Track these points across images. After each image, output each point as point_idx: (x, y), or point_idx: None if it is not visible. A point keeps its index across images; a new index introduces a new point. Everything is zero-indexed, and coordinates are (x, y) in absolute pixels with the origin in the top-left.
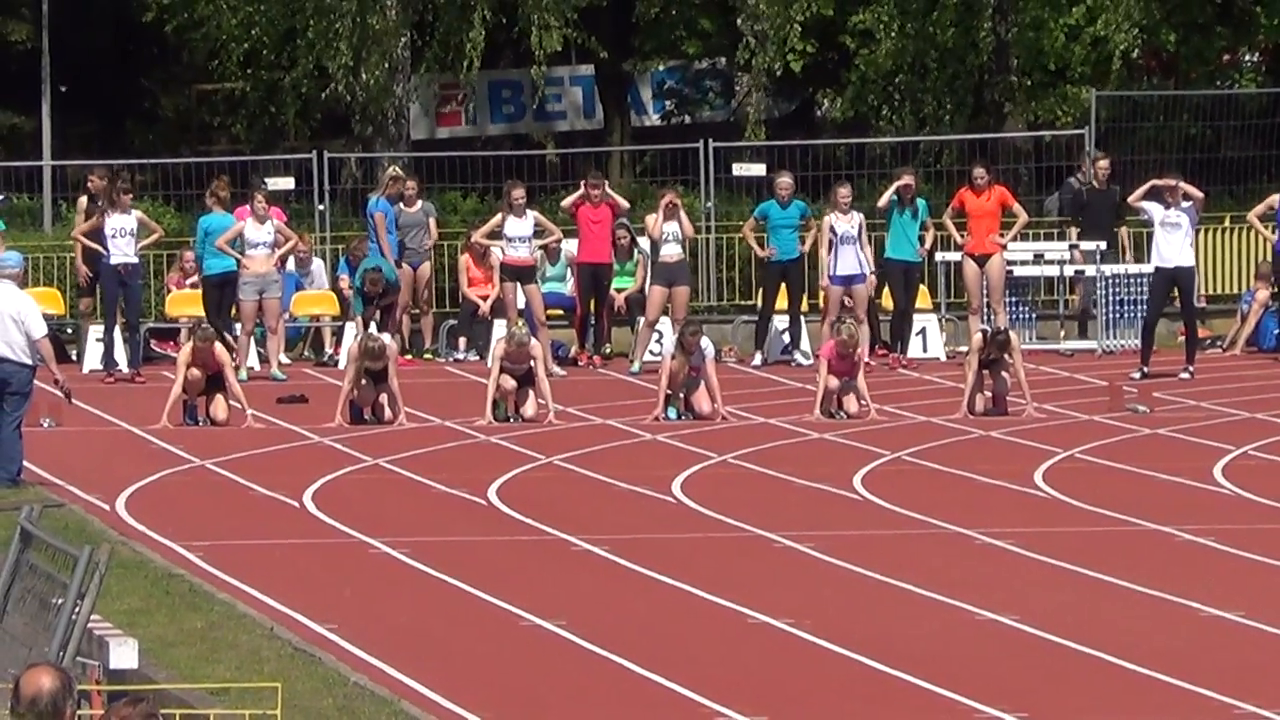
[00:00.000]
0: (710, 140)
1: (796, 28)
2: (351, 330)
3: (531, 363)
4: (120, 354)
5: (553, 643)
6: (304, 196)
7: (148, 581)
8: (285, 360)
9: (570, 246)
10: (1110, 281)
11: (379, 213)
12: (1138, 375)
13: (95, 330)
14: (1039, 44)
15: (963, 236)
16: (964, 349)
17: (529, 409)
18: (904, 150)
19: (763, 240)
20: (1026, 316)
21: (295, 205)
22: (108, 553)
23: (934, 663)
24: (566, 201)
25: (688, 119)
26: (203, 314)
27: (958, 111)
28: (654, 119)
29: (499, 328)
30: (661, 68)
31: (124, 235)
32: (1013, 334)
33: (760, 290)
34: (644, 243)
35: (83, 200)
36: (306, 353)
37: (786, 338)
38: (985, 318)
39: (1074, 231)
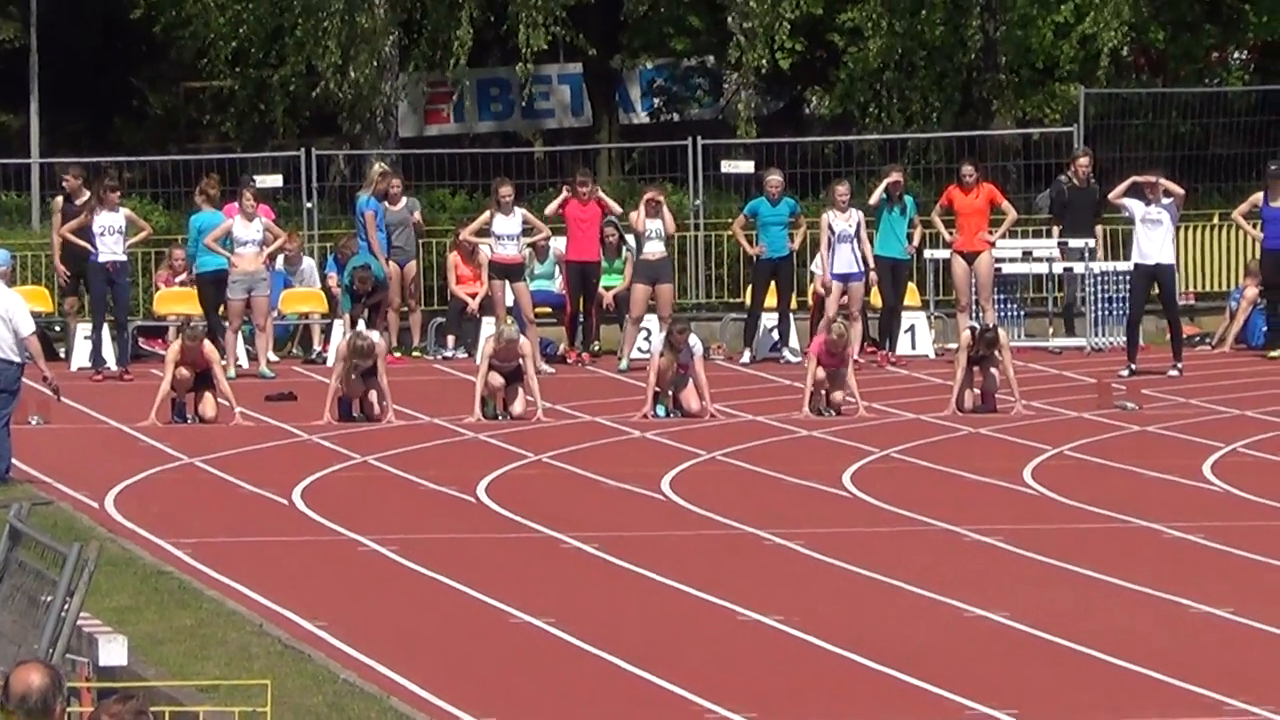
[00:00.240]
0: (699, 138)
1: (786, 25)
2: (340, 328)
3: (520, 360)
4: (108, 352)
5: (542, 640)
6: (292, 194)
7: (137, 579)
8: (274, 358)
9: (559, 244)
10: (1099, 279)
11: (369, 211)
12: (1126, 373)
13: (83, 328)
14: (1027, 41)
15: (951, 234)
16: (953, 346)
17: (517, 406)
18: (892, 148)
19: (752, 238)
20: (1015, 314)
21: (283, 203)
22: (96, 550)
23: (923, 660)
24: (550, 208)
25: (676, 116)
26: (190, 312)
27: (946, 109)
28: (642, 116)
29: (487, 325)
30: (650, 65)
31: (112, 233)
32: (1001, 331)
33: (749, 288)
34: (632, 240)
35: (58, 200)
36: (295, 350)
37: (775, 335)
38: (974, 315)
39: (1057, 230)
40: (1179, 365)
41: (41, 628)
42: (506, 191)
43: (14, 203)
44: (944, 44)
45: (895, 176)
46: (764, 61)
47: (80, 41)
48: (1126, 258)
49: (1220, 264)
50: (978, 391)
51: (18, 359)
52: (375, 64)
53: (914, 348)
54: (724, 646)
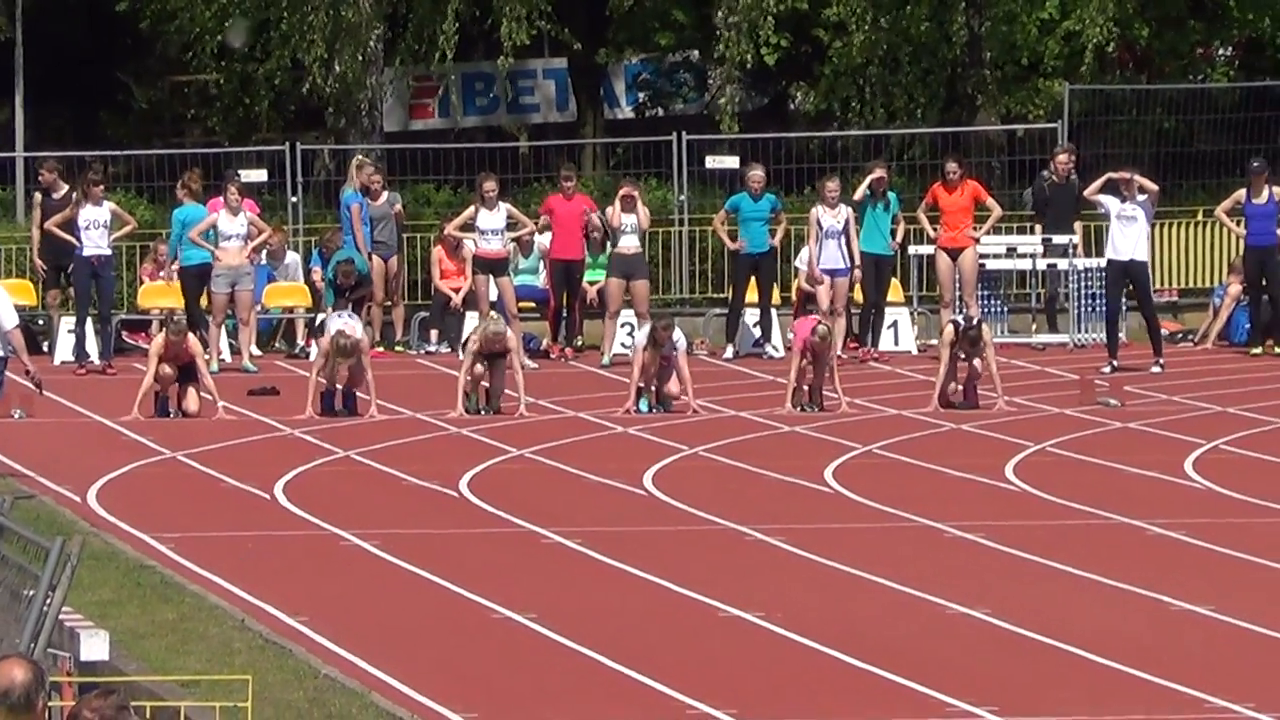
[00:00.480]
0: (683, 133)
1: (770, 19)
2: (329, 321)
3: (506, 353)
4: (92, 345)
5: (524, 635)
6: (277, 189)
7: (119, 573)
8: (257, 352)
9: (543, 239)
10: (1081, 275)
11: (355, 204)
12: (1108, 369)
13: (67, 322)
14: (1012, 37)
15: (936, 230)
16: (935, 342)
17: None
18: (876, 143)
19: (733, 233)
20: (998, 310)
21: (268, 197)
22: (79, 544)
23: (904, 656)
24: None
25: (661, 112)
26: (174, 306)
27: (930, 105)
28: (627, 112)
29: (470, 321)
30: (635, 60)
31: (96, 227)
32: (985, 327)
33: (731, 283)
34: None
35: (38, 195)
36: (278, 345)
37: (758, 331)
38: (957, 310)
39: (1039, 227)
40: (1160, 361)
41: (23, 622)
42: (490, 186)
43: None
44: (929, 39)
45: (879, 172)
46: (749, 56)
47: (66, 35)
48: (1103, 254)
49: (1203, 261)
50: (960, 386)
51: (1, 353)
52: (360, 58)
53: (897, 343)
54: (705, 642)
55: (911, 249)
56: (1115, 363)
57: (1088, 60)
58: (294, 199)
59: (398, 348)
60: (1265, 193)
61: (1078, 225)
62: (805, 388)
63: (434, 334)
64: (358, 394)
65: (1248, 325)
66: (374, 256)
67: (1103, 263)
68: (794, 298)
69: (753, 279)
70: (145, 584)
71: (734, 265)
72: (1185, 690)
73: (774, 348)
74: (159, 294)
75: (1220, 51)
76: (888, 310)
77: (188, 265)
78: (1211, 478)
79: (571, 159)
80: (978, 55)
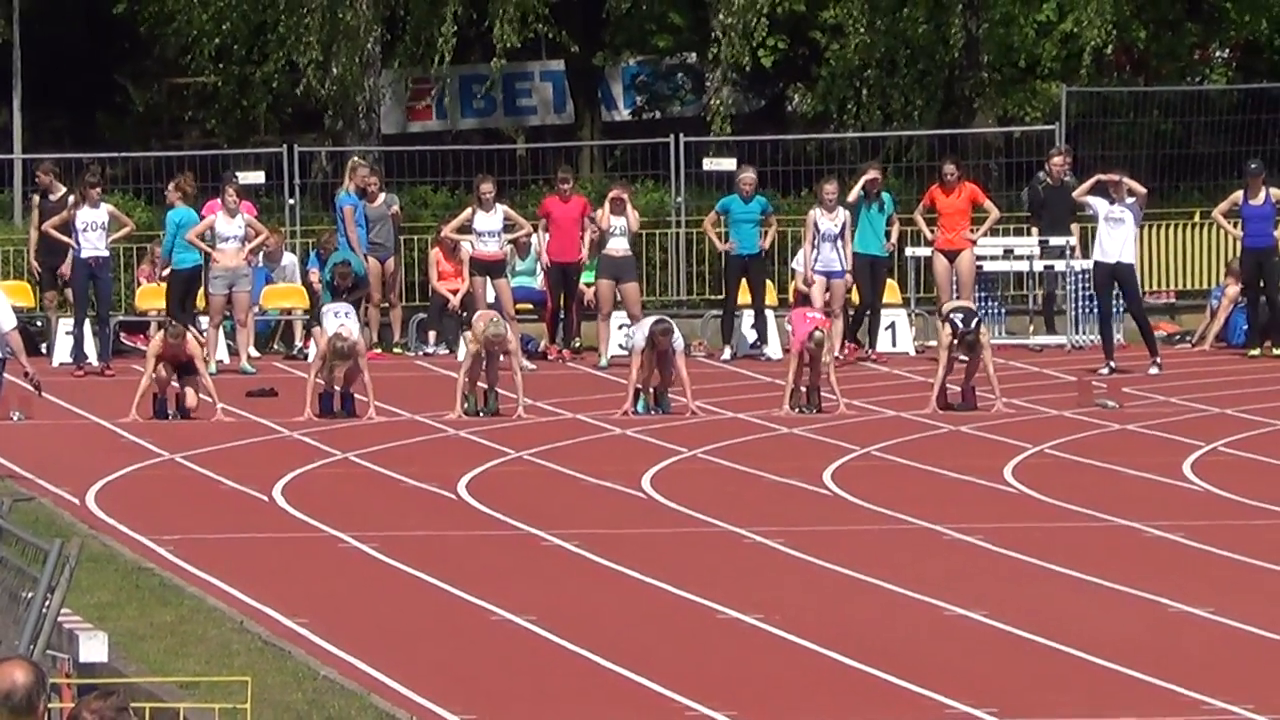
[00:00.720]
0: (681, 135)
1: (764, 20)
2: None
3: (503, 356)
4: (90, 347)
5: (522, 637)
6: (274, 190)
7: (118, 575)
8: (255, 354)
9: (541, 241)
10: (1079, 277)
11: (348, 206)
12: (1106, 371)
13: (65, 323)
14: (1009, 40)
15: (933, 232)
16: (933, 343)
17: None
18: (873, 145)
19: (723, 235)
20: (996, 312)
21: (265, 199)
22: (78, 546)
23: (903, 658)
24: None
25: (658, 114)
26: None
27: (927, 107)
28: (624, 114)
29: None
30: (632, 62)
31: (94, 229)
32: (983, 329)
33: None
34: None
35: (35, 197)
36: (276, 346)
37: (754, 334)
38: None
39: (1035, 230)
40: (1157, 361)
41: (22, 624)
42: (488, 188)
43: None
44: (926, 42)
45: (873, 174)
46: (745, 59)
47: (64, 37)
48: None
49: (1201, 263)
50: (958, 388)
51: None
52: (358, 60)
53: (895, 345)
54: (703, 644)
55: (909, 251)
56: (1113, 364)
57: (1086, 62)
58: (291, 201)
59: (395, 349)
60: (1263, 194)
61: (1074, 227)
62: (803, 389)
63: (432, 335)
64: (356, 396)
65: (1245, 327)
66: (370, 258)
67: None
68: (791, 299)
69: (744, 282)
70: (144, 586)
71: (724, 267)
72: (1184, 692)
73: (771, 349)
74: (157, 296)
75: (1218, 54)
76: (886, 312)
77: (178, 269)
78: (1210, 479)
79: (569, 161)
80: (975, 57)
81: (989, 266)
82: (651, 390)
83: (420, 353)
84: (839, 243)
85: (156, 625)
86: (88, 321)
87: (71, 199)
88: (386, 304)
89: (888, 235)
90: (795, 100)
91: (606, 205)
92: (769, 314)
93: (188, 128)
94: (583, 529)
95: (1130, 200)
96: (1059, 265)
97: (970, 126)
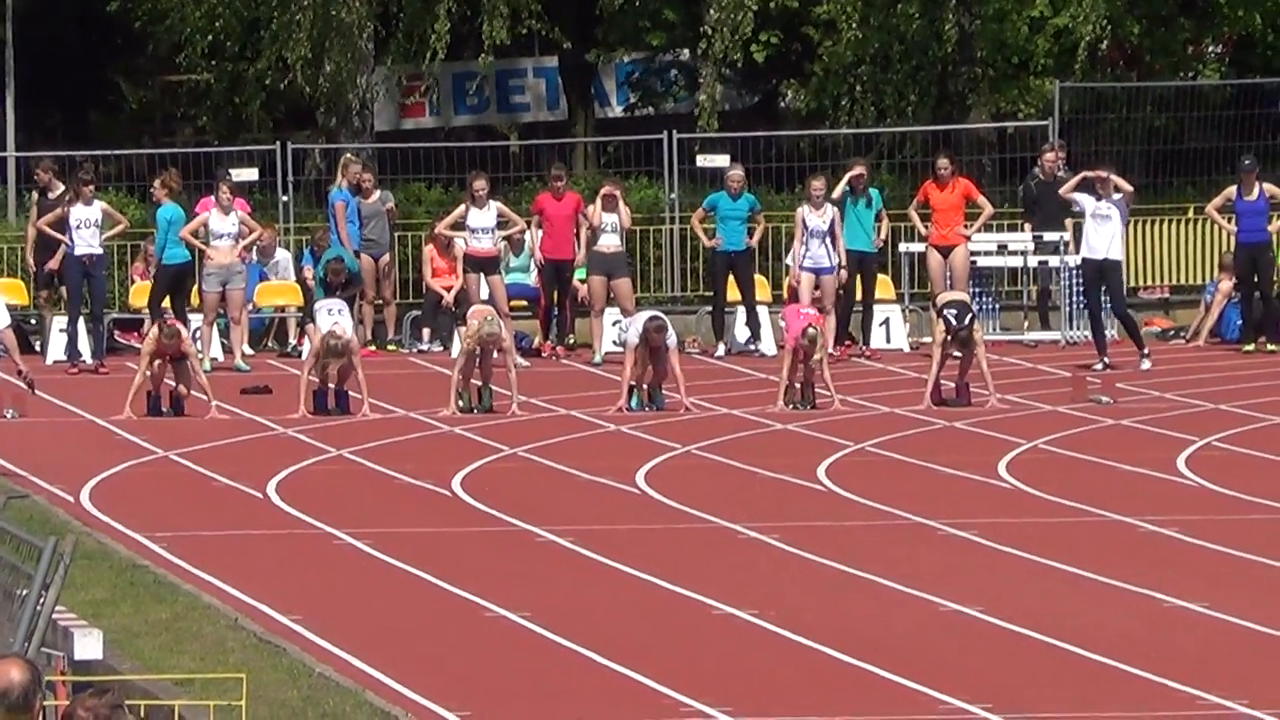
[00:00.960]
0: (674, 132)
1: (750, 15)
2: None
3: (498, 352)
4: (84, 345)
5: (517, 634)
6: (268, 188)
7: (112, 572)
8: (249, 351)
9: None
10: (1073, 272)
11: (339, 202)
12: (1100, 366)
13: (59, 321)
14: (1002, 35)
15: (927, 228)
16: (928, 339)
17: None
18: (867, 142)
19: (710, 231)
20: (990, 307)
21: (259, 196)
22: (72, 544)
23: (897, 653)
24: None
25: (651, 110)
26: (165, 306)
27: (921, 103)
28: (618, 110)
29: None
30: (625, 59)
31: (88, 226)
32: (977, 325)
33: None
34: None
35: (35, 194)
36: (270, 344)
37: (747, 331)
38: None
39: (1027, 225)
40: (1145, 353)
41: (17, 621)
42: (481, 185)
43: None
44: (919, 38)
45: (859, 170)
46: (737, 55)
47: (57, 35)
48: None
49: (1195, 258)
50: (953, 385)
51: None
52: (351, 57)
53: (889, 341)
54: (698, 640)
55: (903, 247)
56: (1106, 360)
57: (1081, 58)
58: (285, 198)
59: (390, 346)
60: (1256, 190)
61: (1068, 222)
62: (797, 385)
63: (426, 333)
64: (350, 393)
65: (1239, 322)
66: (365, 255)
67: None
68: (785, 295)
69: (732, 279)
70: (138, 583)
71: (710, 263)
72: (1178, 687)
73: (765, 345)
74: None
75: (1211, 49)
76: (879, 308)
77: (167, 264)
78: (1204, 475)
79: (562, 158)
80: (968, 53)
81: (983, 262)
82: (645, 387)
83: (414, 350)
84: (828, 239)
85: (151, 622)
86: (82, 319)
87: (66, 196)
88: (381, 301)
89: (877, 231)
90: (789, 96)
91: (599, 202)
92: (763, 310)
93: (180, 125)
94: (577, 525)
95: (1117, 196)
96: (1053, 261)
97: (964, 122)
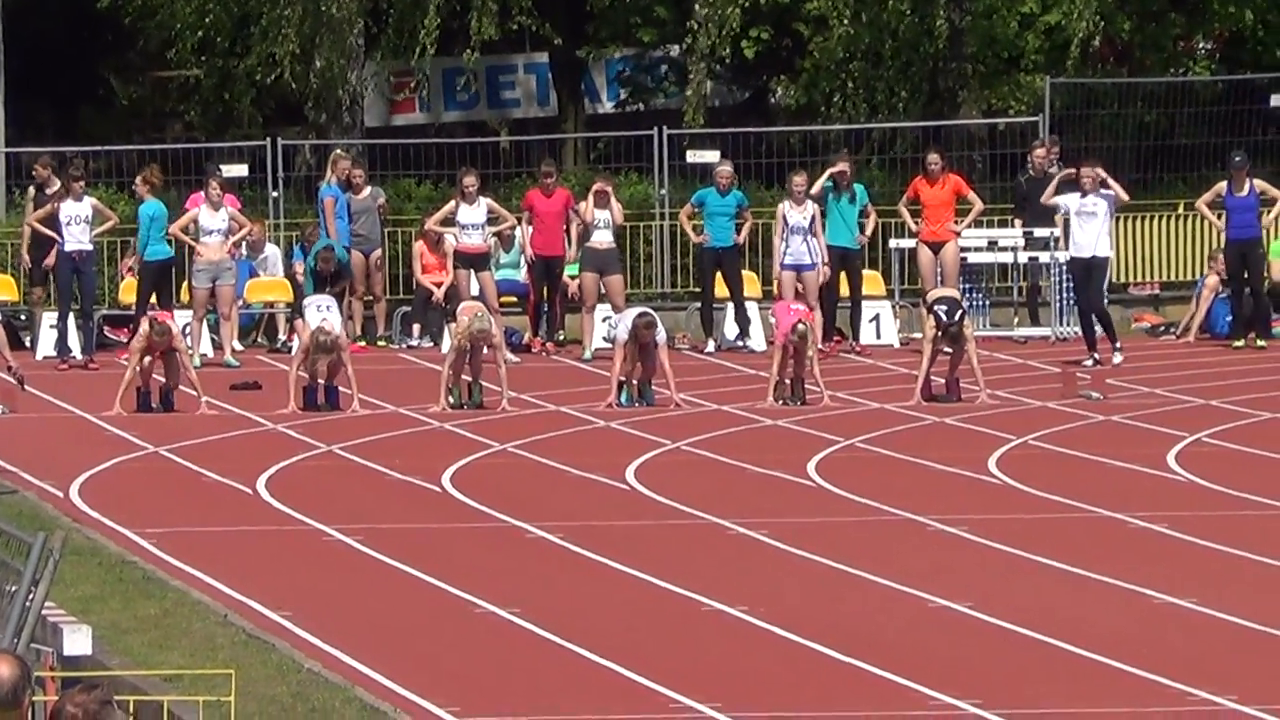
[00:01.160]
0: (664, 128)
1: (737, 11)
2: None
3: (487, 349)
4: (74, 341)
5: (507, 630)
6: (257, 184)
7: (101, 568)
8: (238, 347)
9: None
10: (1063, 268)
11: (329, 198)
12: (1090, 362)
13: (49, 317)
14: (993, 32)
15: (917, 224)
16: (918, 335)
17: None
18: (857, 138)
19: (698, 227)
20: (980, 303)
21: (249, 192)
22: (61, 540)
23: (888, 650)
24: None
25: (642, 106)
26: (152, 301)
27: (911, 99)
28: (608, 106)
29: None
30: (616, 55)
31: (78, 222)
32: (966, 321)
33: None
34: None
35: (30, 190)
36: (260, 340)
37: (736, 328)
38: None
39: (1017, 222)
40: (1118, 347)
41: (6, 617)
42: (471, 181)
43: None
44: (910, 34)
45: (841, 166)
46: (725, 50)
47: (47, 31)
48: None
49: (1185, 254)
50: (941, 381)
51: None
52: (341, 53)
53: (879, 337)
54: (689, 636)
55: (893, 243)
56: (1096, 356)
57: (1073, 54)
58: (275, 194)
59: (380, 342)
60: (1246, 186)
61: (1058, 218)
62: (787, 381)
63: (416, 328)
64: (340, 389)
65: (1229, 318)
66: (354, 250)
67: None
68: (775, 292)
69: (719, 275)
70: (128, 579)
71: (698, 259)
72: (1168, 683)
73: (755, 341)
74: None
75: (1201, 45)
76: (869, 304)
77: (150, 260)
78: (1194, 471)
79: (552, 154)
80: (959, 49)
81: (973, 258)
82: (635, 382)
83: (404, 346)
84: (809, 236)
85: (140, 618)
86: (71, 315)
87: (57, 192)
88: (371, 297)
89: (862, 228)
90: (779, 92)
91: (590, 198)
92: (753, 306)
93: (171, 121)
94: (567, 521)
95: (1105, 191)
96: (1043, 257)
97: (954, 118)
